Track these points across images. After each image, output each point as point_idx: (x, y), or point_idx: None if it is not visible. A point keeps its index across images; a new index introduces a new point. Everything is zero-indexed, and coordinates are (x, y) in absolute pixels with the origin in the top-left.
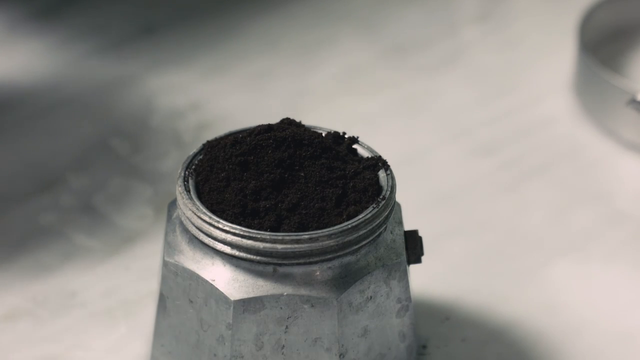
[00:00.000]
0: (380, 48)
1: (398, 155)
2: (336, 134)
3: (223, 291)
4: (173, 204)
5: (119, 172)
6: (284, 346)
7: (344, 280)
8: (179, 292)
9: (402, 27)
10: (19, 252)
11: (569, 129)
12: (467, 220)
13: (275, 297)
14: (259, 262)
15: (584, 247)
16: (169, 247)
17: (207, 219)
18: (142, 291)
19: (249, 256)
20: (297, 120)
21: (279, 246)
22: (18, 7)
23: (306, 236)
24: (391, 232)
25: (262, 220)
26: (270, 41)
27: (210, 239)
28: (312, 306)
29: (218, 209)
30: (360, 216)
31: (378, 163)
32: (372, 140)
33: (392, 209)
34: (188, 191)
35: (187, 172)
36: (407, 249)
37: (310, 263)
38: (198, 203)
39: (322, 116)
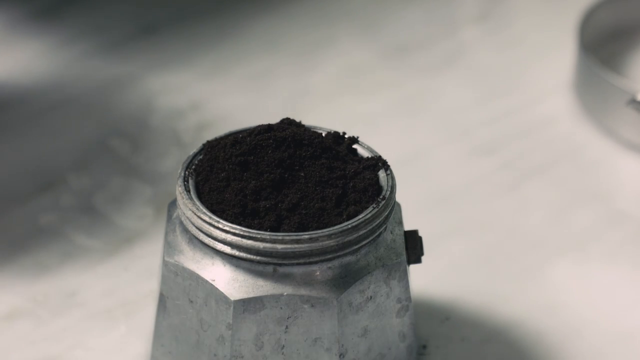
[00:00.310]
0: (380, 48)
1: (398, 155)
2: (336, 134)
3: (223, 291)
4: (173, 204)
5: (119, 172)
6: (284, 346)
7: (344, 280)
8: (179, 292)
9: (402, 27)
10: (19, 252)
11: (569, 129)
12: (467, 220)
13: (275, 297)
14: (259, 262)
15: (583, 247)
16: (169, 247)
17: (207, 219)
18: (142, 291)
19: (249, 256)
20: (297, 120)
21: (279, 246)
22: (18, 7)
23: (306, 236)
24: (391, 232)
25: (262, 220)
26: (270, 41)
27: (210, 239)
28: (312, 306)
29: (218, 209)
30: (360, 216)
31: (378, 163)
32: (372, 140)
33: (392, 209)
34: (188, 191)
35: (187, 172)
36: (407, 249)
37: (310, 263)
38: (198, 203)
39: (322, 116)
